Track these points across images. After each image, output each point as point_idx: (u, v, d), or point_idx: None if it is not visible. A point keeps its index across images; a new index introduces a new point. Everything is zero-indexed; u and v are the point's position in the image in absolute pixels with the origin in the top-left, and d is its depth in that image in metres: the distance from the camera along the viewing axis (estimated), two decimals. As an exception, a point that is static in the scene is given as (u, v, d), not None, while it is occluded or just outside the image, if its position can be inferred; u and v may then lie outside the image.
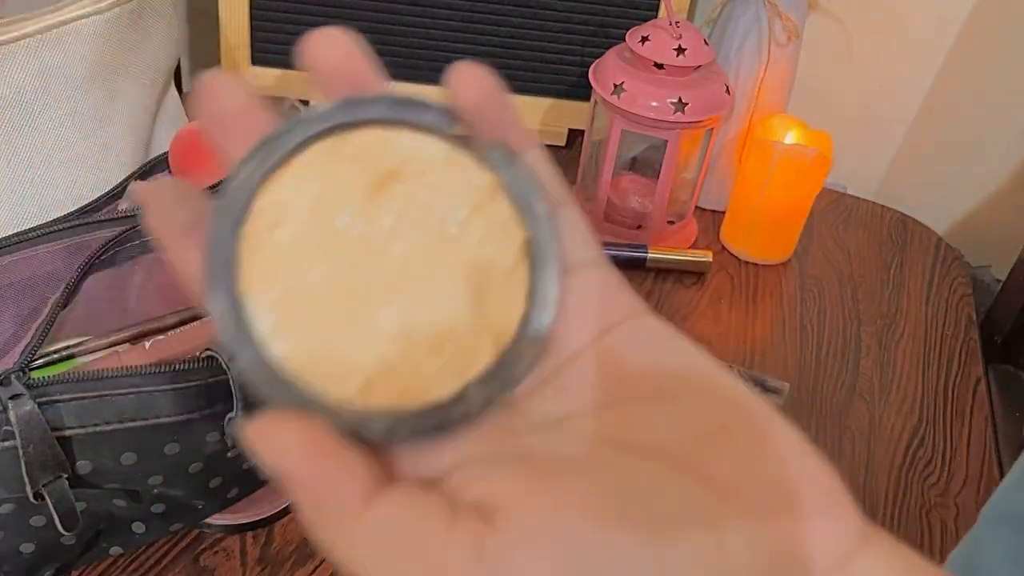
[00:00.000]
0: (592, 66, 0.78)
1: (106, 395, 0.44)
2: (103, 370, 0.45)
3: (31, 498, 0.44)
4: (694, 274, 0.79)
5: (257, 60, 0.87)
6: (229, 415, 0.48)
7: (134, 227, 0.52)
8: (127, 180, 0.60)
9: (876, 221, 0.89)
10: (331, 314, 0.19)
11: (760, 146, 0.77)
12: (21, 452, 0.42)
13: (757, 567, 0.18)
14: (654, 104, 0.72)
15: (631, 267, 0.78)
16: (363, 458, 0.19)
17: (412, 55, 0.87)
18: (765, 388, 0.66)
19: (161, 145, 0.69)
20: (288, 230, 0.20)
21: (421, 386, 0.19)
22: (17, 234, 0.51)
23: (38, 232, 0.51)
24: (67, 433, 0.44)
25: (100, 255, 0.51)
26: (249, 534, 0.54)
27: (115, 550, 0.51)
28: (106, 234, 0.52)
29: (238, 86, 0.21)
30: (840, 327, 0.75)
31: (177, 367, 0.46)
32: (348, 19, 0.86)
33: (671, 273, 0.79)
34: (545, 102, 0.90)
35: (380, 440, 0.19)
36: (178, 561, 0.52)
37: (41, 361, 0.48)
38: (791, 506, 0.19)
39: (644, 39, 0.73)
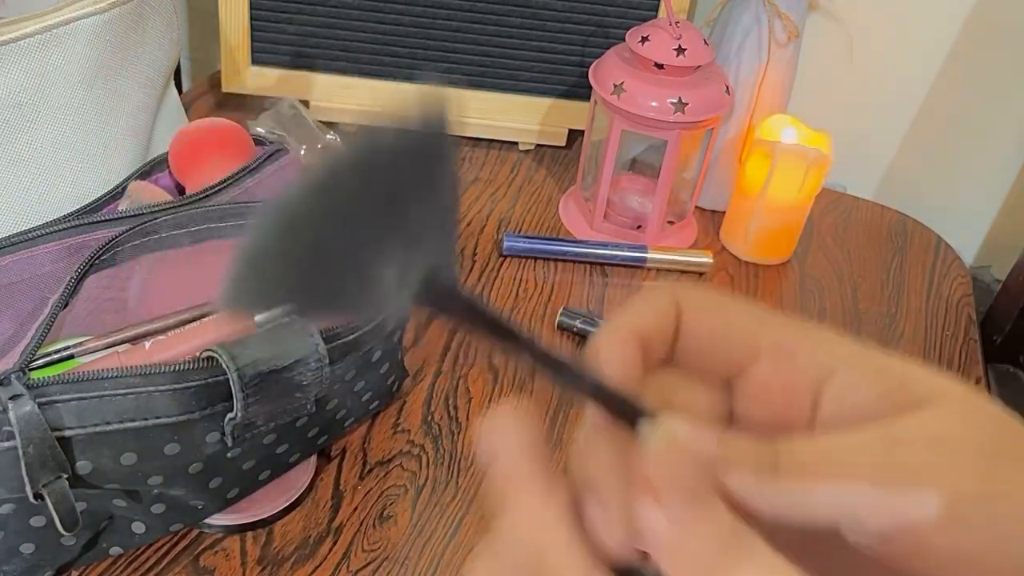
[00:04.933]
0: (592, 66, 0.78)
1: (106, 395, 0.44)
2: (103, 370, 0.45)
3: (31, 498, 0.44)
4: (694, 274, 0.79)
5: (257, 60, 0.87)
6: (229, 415, 0.48)
7: (134, 227, 0.52)
8: (127, 180, 0.60)
9: (876, 221, 0.89)
10: None
11: (760, 146, 0.77)
12: (21, 452, 0.42)
13: None
14: (654, 104, 0.72)
15: (631, 267, 0.78)
16: None
17: (412, 55, 0.87)
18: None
19: (161, 145, 0.69)
20: None
21: None
22: (17, 234, 0.51)
23: (38, 232, 0.51)
24: (67, 433, 0.44)
25: (100, 255, 0.51)
26: (249, 534, 0.54)
27: (115, 550, 0.51)
28: (106, 234, 0.52)
29: None
30: (840, 327, 0.75)
31: (177, 367, 0.46)
32: (348, 19, 0.86)
33: (671, 273, 0.79)
34: (545, 102, 0.90)
35: None
36: (178, 561, 0.52)
37: (41, 361, 0.48)
38: None
39: (644, 39, 0.73)
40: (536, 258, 0.78)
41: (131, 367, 0.45)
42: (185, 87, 1.05)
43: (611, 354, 0.24)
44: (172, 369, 0.46)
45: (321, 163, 0.18)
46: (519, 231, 0.81)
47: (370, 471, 0.58)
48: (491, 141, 0.91)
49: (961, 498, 0.21)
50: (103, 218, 0.53)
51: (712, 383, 0.25)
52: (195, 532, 0.54)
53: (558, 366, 0.22)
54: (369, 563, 0.53)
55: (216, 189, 0.57)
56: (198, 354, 0.47)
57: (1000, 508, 0.21)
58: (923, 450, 0.21)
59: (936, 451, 0.21)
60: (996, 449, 0.22)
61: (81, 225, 0.52)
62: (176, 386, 0.46)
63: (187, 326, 0.51)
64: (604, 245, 0.78)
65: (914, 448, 0.21)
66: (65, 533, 0.45)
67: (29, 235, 0.51)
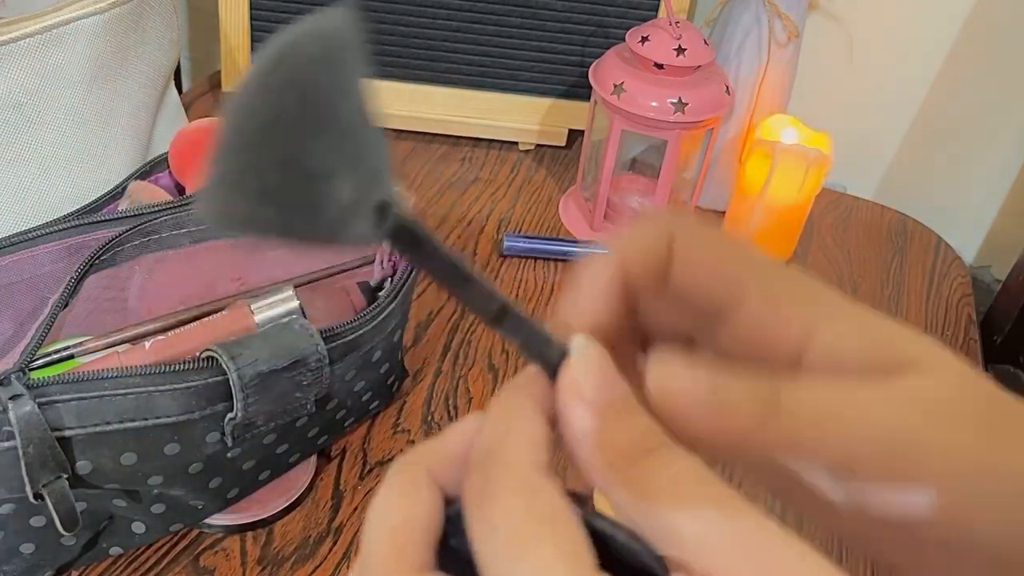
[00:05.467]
0: (592, 66, 0.78)
1: (106, 395, 0.44)
2: (103, 370, 0.45)
3: (31, 498, 0.44)
4: (694, 274, 0.79)
5: (257, 60, 0.87)
6: (229, 415, 0.48)
7: (134, 227, 0.52)
8: (127, 180, 0.60)
9: (876, 221, 0.89)
10: None
11: (760, 146, 0.77)
12: (21, 452, 0.42)
13: None
14: (654, 104, 0.72)
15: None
16: None
17: (412, 55, 0.87)
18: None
19: (161, 145, 0.69)
20: None
21: None
22: (17, 234, 0.51)
23: (38, 232, 0.51)
24: (67, 433, 0.44)
25: (100, 255, 0.51)
26: (249, 534, 0.54)
27: (115, 550, 0.51)
28: (106, 234, 0.52)
29: None
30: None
31: (177, 367, 0.46)
32: (348, 19, 0.86)
33: (671, 273, 0.79)
34: (545, 102, 0.90)
35: None
36: (178, 561, 0.52)
37: (41, 361, 0.48)
38: None
39: (644, 39, 0.73)
40: (536, 258, 0.78)
41: (131, 367, 0.45)
42: (185, 87, 1.05)
43: (592, 291, 0.24)
44: (172, 369, 0.46)
45: (242, 88, 0.19)
46: (519, 231, 0.81)
47: (370, 471, 0.58)
48: (491, 141, 0.91)
49: (958, 471, 0.21)
50: (103, 218, 0.53)
51: (701, 316, 0.25)
52: (195, 532, 0.54)
53: (518, 323, 0.21)
54: (369, 563, 0.53)
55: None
56: (198, 354, 0.47)
57: (995, 481, 0.21)
58: (922, 416, 0.22)
59: (935, 419, 0.22)
60: (990, 419, 0.22)
61: (81, 225, 0.52)
62: (176, 386, 0.46)
63: (187, 326, 0.51)
64: (604, 245, 0.78)
65: (914, 413, 0.22)
66: (65, 533, 0.45)
67: (29, 235, 0.51)
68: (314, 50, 0.19)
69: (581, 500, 0.20)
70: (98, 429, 0.44)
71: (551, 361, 0.21)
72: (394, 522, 0.20)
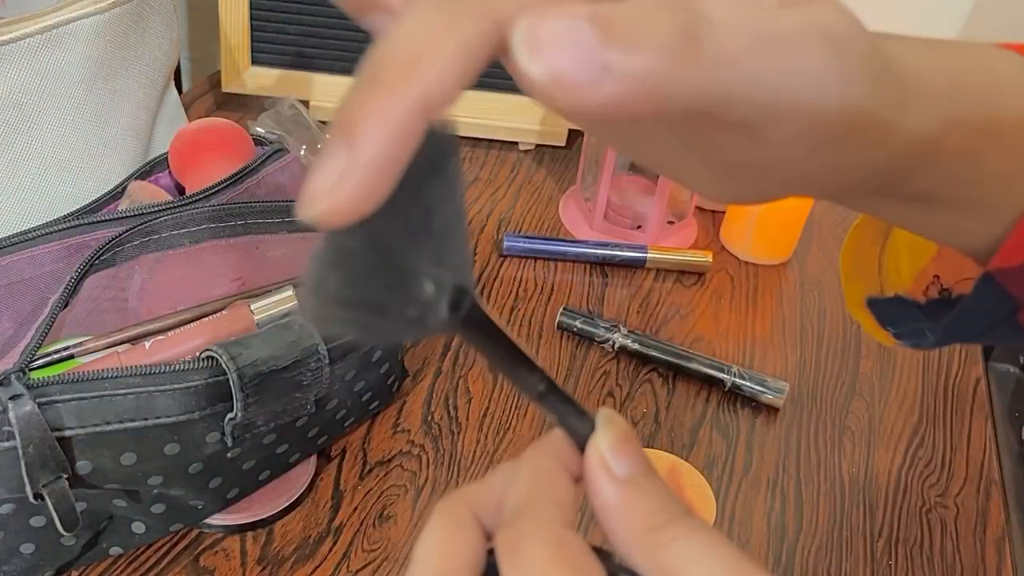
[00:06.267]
0: (592, 66, 0.78)
1: (106, 395, 0.44)
2: (103, 370, 0.45)
3: (31, 498, 0.44)
4: (694, 274, 0.79)
5: (257, 60, 0.87)
6: (229, 415, 0.48)
7: (134, 227, 0.52)
8: (127, 180, 0.60)
9: (876, 221, 0.89)
10: None
11: (760, 146, 0.77)
12: (21, 452, 0.42)
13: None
14: (654, 104, 0.72)
15: (631, 267, 0.78)
16: None
17: (412, 55, 0.87)
18: (765, 388, 0.66)
19: (161, 145, 0.69)
20: None
21: None
22: (17, 234, 0.51)
23: (38, 232, 0.51)
24: (67, 433, 0.44)
25: (100, 255, 0.51)
26: (249, 534, 0.54)
27: (115, 550, 0.51)
28: (106, 234, 0.52)
29: None
30: (840, 327, 0.75)
31: (177, 367, 0.46)
32: (348, 19, 0.85)
33: (671, 273, 0.79)
34: (545, 102, 0.90)
35: None
36: (178, 561, 0.52)
37: (41, 361, 0.48)
38: None
39: (644, 39, 0.73)
40: (536, 258, 0.78)
41: (131, 367, 0.45)
42: (185, 87, 1.05)
43: None
44: (172, 369, 0.46)
45: None
46: (519, 231, 0.81)
47: (370, 471, 0.58)
48: (491, 141, 0.91)
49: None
50: (103, 218, 0.53)
51: None
52: (195, 532, 0.54)
53: (558, 400, 0.23)
54: (369, 563, 0.53)
55: (216, 189, 0.57)
56: (198, 354, 0.47)
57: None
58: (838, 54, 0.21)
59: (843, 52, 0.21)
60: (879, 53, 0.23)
61: (81, 225, 0.52)
62: (176, 386, 0.46)
63: (187, 326, 0.52)
64: (604, 245, 0.78)
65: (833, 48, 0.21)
66: (65, 533, 0.45)
67: (29, 235, 0.51)
68: (420, 161, 0.20)
69: (605, 555, 0.22)
70: (98, 429, 0.44)
71: (581, 433, 0.23)
72: (439, 558, 0.22)
